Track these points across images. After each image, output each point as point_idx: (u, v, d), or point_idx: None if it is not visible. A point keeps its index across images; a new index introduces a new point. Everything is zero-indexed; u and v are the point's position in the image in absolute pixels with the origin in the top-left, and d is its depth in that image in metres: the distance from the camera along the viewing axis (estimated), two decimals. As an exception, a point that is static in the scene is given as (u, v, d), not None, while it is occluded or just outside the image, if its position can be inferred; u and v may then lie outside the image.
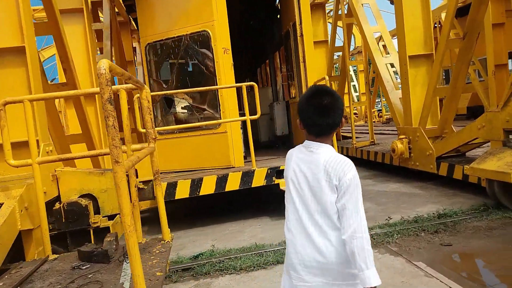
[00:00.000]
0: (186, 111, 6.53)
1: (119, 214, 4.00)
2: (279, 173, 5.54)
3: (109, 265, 2.63)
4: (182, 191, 5.29)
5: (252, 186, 5.43)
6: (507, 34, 11.82)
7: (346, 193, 1.60)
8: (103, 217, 3.92)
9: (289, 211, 1.77)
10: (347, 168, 1.63)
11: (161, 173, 6.57)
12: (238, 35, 11.72)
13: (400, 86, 7.35)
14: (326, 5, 12.36)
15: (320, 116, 1.66)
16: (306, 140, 1.74)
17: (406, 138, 6.97)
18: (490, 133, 5.08)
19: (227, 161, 6.06)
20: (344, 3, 9.44)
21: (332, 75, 10.82)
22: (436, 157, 6.28)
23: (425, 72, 6.87)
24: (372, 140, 9.31)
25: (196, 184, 5.30)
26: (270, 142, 9.09)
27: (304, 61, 6.34)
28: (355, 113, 20.33)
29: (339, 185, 1.61)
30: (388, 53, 8.27)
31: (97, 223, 3.70)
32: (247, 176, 5.42)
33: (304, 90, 6.42)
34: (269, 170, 5.49)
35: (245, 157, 7.09)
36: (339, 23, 10.07)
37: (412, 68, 6.87)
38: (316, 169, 1.66)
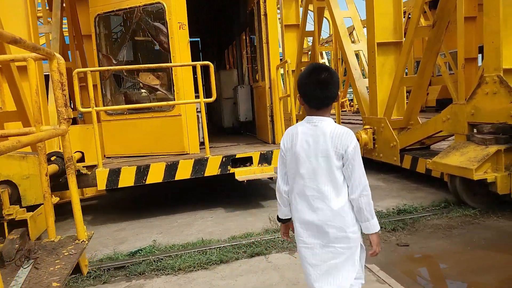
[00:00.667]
0: (137, 90, 6.00)
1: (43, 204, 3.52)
2: (235, 162, 5.16)
3: (3, 270, 2.18)
4: (126, 179, 4.83)
5: (205, 175, 5.03)
6: (479, 28, 11.74)
7: (353, 160, 1.84)
8: (23, 207, 3.43)
9: (295, 181, 1.93)
10: (350, 138, 1.84)
11: (109, 157, 6.12)
12: (205, 14, 11.16)
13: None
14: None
15: (320, 89, 1.84)
16: (308, 116, 1.91)
17: (371, 128, 6.71)
18: (454, 126, 4.86)
19: (180, 146, 5.62)
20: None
21: (303, 60, 10.45)
22: (400, 149, 6.06)
23: (393, 61, 6.59)
24: (339, 129, 9.06)
25: (142, 172, 4.85)
26: (233, 128, 8.67)
27: (267, 43, 5.91)
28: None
29: (345, 154, 1.83)
30: (358, 41, 7.96)
31: (11, 215, 3.20)
32: (200, 164, 5.01)
33: (266, 73, 6.02)
34: (224, 158, 5.09)
35: (203, 143, 6.69)
36: (311, 6, 9.70)
37: (380, 56, 6.58)
38: (323, 141, 1.85)
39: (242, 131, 8.31)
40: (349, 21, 8.86)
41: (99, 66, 5.89)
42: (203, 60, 14.41)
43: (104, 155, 6.00)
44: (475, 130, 4.56)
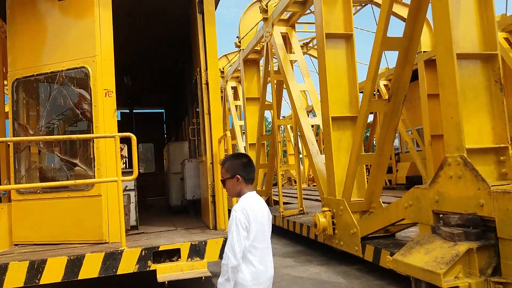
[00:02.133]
0: (53, 165, 5.15)
1: None
2: (158, 256, 4.22)
3: None
4: (15, 279, 3.79)
5: (118, 272, 4.04)
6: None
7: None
8: None
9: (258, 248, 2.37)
10: None
11: (17, 245, 5.07)
12: (168, 84, 10.76)
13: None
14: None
15: (250, 167, 2.54)
16: (249, 191, 2.49)
17: (329, 211, 5.95)
18: (417, 214, 4.14)
19: (99, 233, 4.67)
20: (274, 59, 8.76)
21: (263, 134, 9.91)
22: (361, 237, 5.27)
23: (350, 136, 6.04)
24: (301, 208, 8.26)
25: (36, 268, 3.84)
26: (181, 207, 7.76)
27: (209, 113, 5.29)
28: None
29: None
30: (315, 114, 7.50)
31: None
32: (112, 258, 4.04)
33: (208, 146, 5.32)
34: (144, 251, 4.15)
35: (136, 227, 5.75)
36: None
37: (336, 130, 6.03)
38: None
39: (190, 210, 7.40)
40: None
41: (14, 136, 5.08)
42: (166, 133, 14.09)
43: (13, 243, 4.99)
44: (441, 221, 3.84)
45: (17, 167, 5.05)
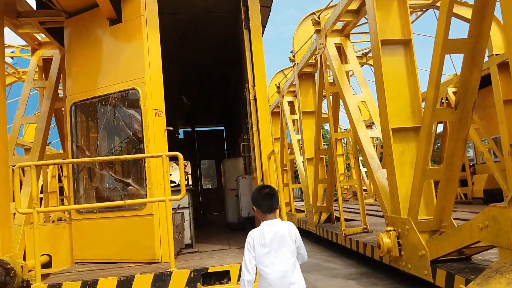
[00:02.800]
0: (108, 185, 5.26)
1: None
2: (208, 277, 4.06)
3: None
4: (66, 299, 3.82)
5: (166, 295, 3.93)
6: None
7: (300, 242, 2.92)
8: None
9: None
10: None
11: (77, 262, 5.20)
12: (228, 102, 10.86)
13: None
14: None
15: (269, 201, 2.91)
16: (267, 220, 2.90)
17: (394, 230, 5.45)
18: (495, 236, 3.58)
19: (151, 253, 4.64)
20: (328, 70, 8.45)
21: (320, 148, 9.55)
22: (431, 260, 4.73)
23: (415, 149, 5.53)
24: (365, 226, 7.73)
25: (87, 289, 3.85)
26: (238, 224, 7.62)
27: (258, 129, 5.12)
28: (364, 190, 18.70)
29: (296, 240, 2.89)
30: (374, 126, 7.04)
31: None
32: (161, 280, 3.95)
33: (258, 163, 5.13)
34: (193, 273, 4.02)
35: (191, 245, 5.68)
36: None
37: (398, 143, 5.56)
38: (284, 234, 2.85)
39: (246, 228, 7.22)
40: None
41: (73, 158, 5.28)
42: (226, 149, 14.23)
43: (74, 261, 5.15)
44: (525, 244, 3.27)
45: (75, 187, 5.22)
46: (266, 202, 2.90)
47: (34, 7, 6.23)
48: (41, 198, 10.38)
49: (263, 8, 6.51)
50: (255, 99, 5.14)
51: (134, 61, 4.98)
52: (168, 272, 3.97)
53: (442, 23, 4.49)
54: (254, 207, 2.96)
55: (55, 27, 6.17)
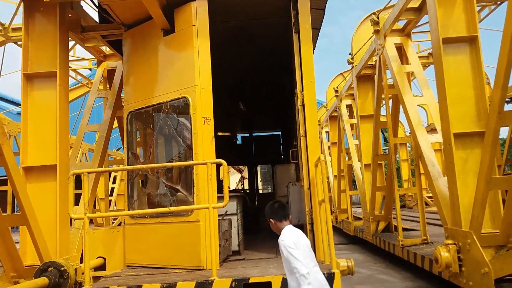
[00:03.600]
0: (159, 191, 5.43)
1: None
2: (249, 287, 4.02)
3: None
4: (113, 301, 3.99)
5: (209, 304, 3.95)
6: None
7: None
8: None
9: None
10: None
11: (129, 266, 5.44)
12: (285, 107, 10.83)
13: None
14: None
15: (283, 209, 3.38)
16: (287, 226, 3.28)
17: (454, 244, 5.04)
18: None
19: (197, 260, 4.71)
20: (388, 72, 8.07)
21: (378, 153, 9.14)
22: (495, 279, 4.29)
23: (480, 156, 5.07)
24: (425, 237, 7.25)
25: (132, 296, 3.98)
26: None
27: (305, 136, 4.99)
28: (430, 197, 17.67)
29: None
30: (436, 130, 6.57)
31: None
32: (203, 288, 3.98)
33: (305, 171, 5.01)
34: (234, 283, 4.00)
35: (238, 252, 5.70)
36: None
37: (460, 149, 5.15)
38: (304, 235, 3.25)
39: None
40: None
41: (128, 165, 5.54)
42: (282, 154, 14.20)
43: (126, 264, 5.39)
44: None
45: (130, 192, 5.46)
46: (281, 211, 3.34)
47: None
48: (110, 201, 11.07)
49: (316, 11, 6.39)
50: (303, 105, 5.03)
51: (185, 70, 5.11)
52: (210, 281, 3.99)
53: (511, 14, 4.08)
54: (271, 220, 3.34)
55: (118, 40, 6.56)
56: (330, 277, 3.98)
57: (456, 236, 5.05)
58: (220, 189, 4.77)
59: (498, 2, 11.69)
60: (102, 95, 7.37)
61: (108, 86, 7.80)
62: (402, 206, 17.70)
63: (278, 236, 3.23)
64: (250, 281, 3.99)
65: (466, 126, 5.18)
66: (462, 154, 5.15)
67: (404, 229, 8.58)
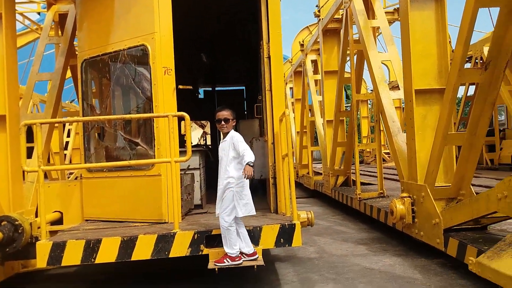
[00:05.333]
0: (117, 144, 5.23)
1: None
2: (211, 240, 4.04)
3: None
4: (72, 256, 3.89)
5: (170, 255, 3.95)
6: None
7: None
8: None
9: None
10: None
11: (87, 220, 5.31)
12: (248, 61, 10.56)
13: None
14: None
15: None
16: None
17: (409, 197, 5.26)
18: (515, 208, 3.36)
19: (158, 213, 4.65)
20: (354, 27, 7.98)
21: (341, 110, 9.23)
22: (445, 229, 4.55)
23: (439, 112, 5.20)
24: (381, 191, 7.55)
25: (91, 248, 3.90)
26: (251, 186, 7.55)
27: (270, 90, 4.89)
28: (387, 153, 18.37)
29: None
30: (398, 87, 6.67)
31: None
32: (164, 241, 3.95)
33: (269, 125, 4.97)
34: (196, 235, 4.00)
35: (200, 205, 5.69)
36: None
37: (421, 106, 5.25)
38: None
39: (259, 190, 7.17)
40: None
41: (83, 116, 5.27)
42: (245, 110, 14.08)
43: (84, 218, 5.26)
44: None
45: (86, 146, 5.23)
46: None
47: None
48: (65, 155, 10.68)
49: (283, -42, 6.08)
50: (269, 57, 4.88)
51: (144, 15, 4.78)
52: (172, 233, 3.96)
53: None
54: (235, 119, 4.30)
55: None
56: (291, 228, 4.07)
57: (411, 189, 5.27)
58: (181, 144, 4.65)
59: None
60: (53, 42, 6.81)
61: (60, 31, 7.23)
62: (361, 162, 18.26)
63: None
64: (213, 233, 4.01)
65: (427, 83, 5.26)
66: (422, 111, 5.26)
67: (362, 183, 8.92)
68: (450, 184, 4.95)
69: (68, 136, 17.06)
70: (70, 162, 16.13)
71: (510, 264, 2.84)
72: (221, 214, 3.90)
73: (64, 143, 14.52)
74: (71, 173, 13.65)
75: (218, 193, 4.03)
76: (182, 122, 4.46)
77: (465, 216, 4.18)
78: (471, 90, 14.05)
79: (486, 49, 11.79)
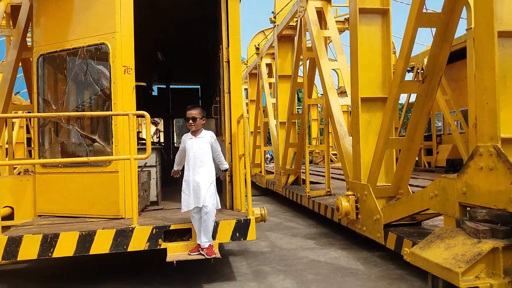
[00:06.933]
0: (73, 140, 5.23)
1: None
2: (169, 235, 4.20)
3: None
4: (28, 251, 3.91)
5: (129, 250, 4.07)
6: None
7: None
8: None
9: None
10: None
11: (40, 216, 5.25)
12: (203, 61, 10.68)
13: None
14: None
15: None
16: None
17: (353, 195, 5.70)
18: (443, 205, 3.83)
19: (115, 209, 4.73)
20: (307, 35, 8.39)
21: (293, 112, 9.65)
22: (385, 224, 5.01)
23: (381, 119, 5.68)
24: (329, 189, 8.02)
25: (49, 242, 3.93)
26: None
27: (229, 92, 5.13)
28: (335, 154, 19.17)
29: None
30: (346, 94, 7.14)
31: None
32: (123, 235, 4.07)
33: (227, 126, 5.20)
34: (154, 230, 4.15)
35: (156, 202, 5.80)
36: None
37: (366, 112, 5.70)
38: None
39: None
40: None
41: (38, 112, 5.20)
42: (201, 108, 14.15)
43: (37, 214, 5.19)
44: (468, 215, 3.52)
45: (40, 141, 5.18)
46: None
47: None
48: (6, 149, 10.23)
49: (242, -35, 6.33)
50: (228, 62, 5.11)
51: (105, 14, 4.84)
52: (130, 228, 4.08)
53: None
54: (204, 118, 4.50)
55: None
56: (246, 223, 4.32)
57: (355, 188, 5.71)
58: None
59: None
60: (5, 34, 6.60)
61: (11, 23, 7.00)
62: (310, 162, 18.94)
63: None
64: (171, 228, 4.17)
65: (372, 91, 5.72)
66: (366, 117, 5.72)
67: (311, 182, 9.40)
68: (390, 184, 5.42)
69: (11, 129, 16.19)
70: (14, 156, 15.35)
71: (437, 253, 3.27)
72: (206, 205, 4.09)
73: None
74: (14, 168, 13.04)
75: (190, 187, 4.18)
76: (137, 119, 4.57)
77: (402, 212, 4.65)
78: (413, 97, 15.11)
79: (426, 61, 12.75)
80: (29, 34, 6.77)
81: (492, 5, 3.41)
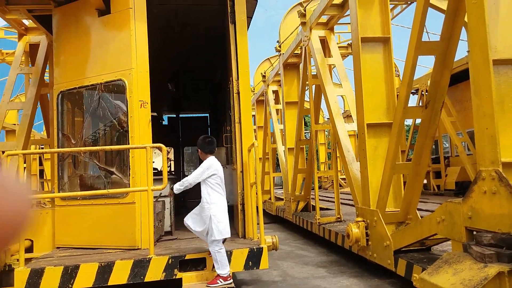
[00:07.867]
0: (92, 173, 5.44)
1: None
2: (184, 264, 4.33)
3: None
4: (50, 282, 4.05)
5: (146, 280, 4.19)
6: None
7: None
8: None
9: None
10: None
11: (59, 247, 5.42)
12: (212, 89, 11.01)
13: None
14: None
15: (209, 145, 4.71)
16: (210, 157, 4.65)
17: (363, 221, 5.79)
18: (450, 230, 3.92)
19: (131, 240, 4.87)
20: (312, 63, 8.67)
21: (301, 138, 9.83)
22: (394, 250, 5.08)
23: (388, 144, 5.83)
24: (339, 216, 8.08)
25: (69, 274, 4.08)
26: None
27: (239, 122, 5.34)
28: (343, 179, 19.17)
29: None
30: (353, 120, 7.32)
31: None
32: (140, 266, 4.20)
33: (238, 155, 5.38)
34: (170, 259, 4.28)
35: (170, 232, 5.93)
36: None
37: (372, 138, 5.85)
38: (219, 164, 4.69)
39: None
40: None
41: (58, 147, 5.45)
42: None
43: (56, 246, 5.36)
44: (475, 240, 3.61)
45: (60, 174, 5.39)
46: (209, 146, 4.58)
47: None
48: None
49: (250, 0, 6.66)
50: (238, 93, 5.34)
51: (122, 52, 5.12)
52: (147, 259, 4.22)
53: (416, 26, 4.75)
54: (199, 150, 4.62)
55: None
56: (259, 252, 4.43)
57: (365, 214, 5.80)
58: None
59: (409, 2, 12.96)
60: (24, 71, 6.97)
61: (30, 61, 7.38)
62: (319, 187, 18.96)
63: None
64: (186, 258, 4.29)
65: (377, 117, 5.90)
66: (373, 142, 5.87)
67: (321, 209, 9.46)
68: (399, 209, 5.52)
69: (25, 162, 16.57)
70: (28, 188, 15.62)
71: (445, 278, 3.36)
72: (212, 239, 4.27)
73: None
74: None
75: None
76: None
77: (411, 238, 4.73)
78: (419, 119, 15.23)
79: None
80: (46, 70, 7.13)
81: (486, 35, 3.62)
